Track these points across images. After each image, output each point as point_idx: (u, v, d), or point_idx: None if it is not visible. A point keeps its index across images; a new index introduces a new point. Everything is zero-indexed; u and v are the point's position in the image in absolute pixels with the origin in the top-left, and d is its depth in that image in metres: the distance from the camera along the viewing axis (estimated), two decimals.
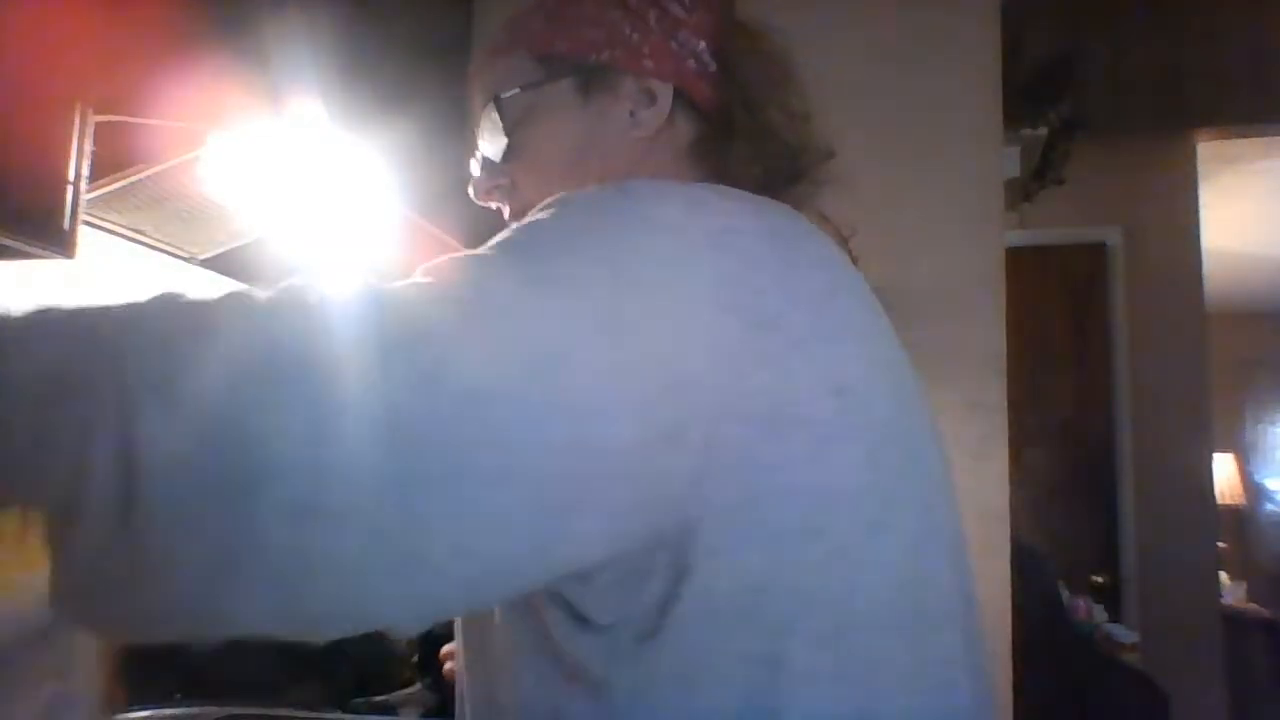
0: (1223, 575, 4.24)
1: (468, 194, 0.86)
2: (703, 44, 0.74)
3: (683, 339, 0.50)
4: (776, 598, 0.51)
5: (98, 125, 1.01)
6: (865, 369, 0.58)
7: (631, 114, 0.73)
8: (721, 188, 0.62)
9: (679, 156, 0.74)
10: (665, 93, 0.73)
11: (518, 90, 0.75)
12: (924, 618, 0.56)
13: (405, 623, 0.48)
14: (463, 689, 0.68)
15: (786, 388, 0.52)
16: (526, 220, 0.56)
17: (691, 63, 0.74)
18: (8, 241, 0.93)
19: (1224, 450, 5.21)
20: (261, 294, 0.48)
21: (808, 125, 0.80)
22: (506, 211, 0.78)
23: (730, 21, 0.76)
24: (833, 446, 0.53)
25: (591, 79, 0.73)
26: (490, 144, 0.78)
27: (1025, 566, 1.85)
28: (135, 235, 1.52)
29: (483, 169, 0.80)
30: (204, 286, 1.69)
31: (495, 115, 0.76)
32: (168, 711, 1.21)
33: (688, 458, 0.49)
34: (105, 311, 0.46)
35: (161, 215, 1.46)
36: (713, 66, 0.74)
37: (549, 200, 0.57)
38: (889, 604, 0.54)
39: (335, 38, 1.37)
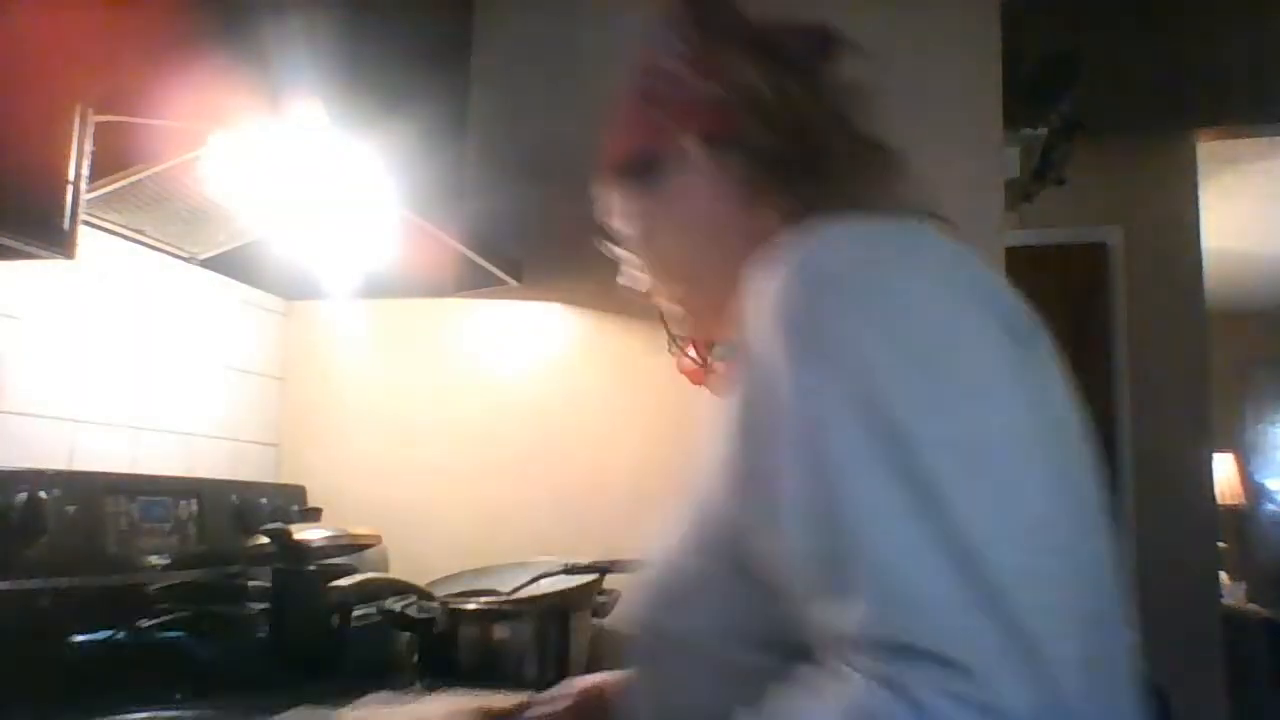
0: (1223, 575, 4.24)
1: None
2: (713, 83, 0.78)
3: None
4: None
5: (98, 125, 1.01)
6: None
7: (683, 179, 0.80)
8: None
9: (745, 188, 0.78)
10: (695, 145, 0.78)
11: (614, 215, 0.87)
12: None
13: None
14: None
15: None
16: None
17: (705, 108, 0.78)
18: (8, 241, 0.93)
19: (1224, 450, 5.21)
20: None
21: (808, 85, 0.80)
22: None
23: (729, 44, 0.80)
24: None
25: (644, 171, 0.82)
26: (627, 259, 0.90)
27: None
28: (135, 235, 1.52)
29: (630, 278, 0.91)
30: (206, 288, 1.69)
31: (620, 243, 0.88)
32: (168, 712, 1.21)
33: None
34: None
35: (161, 215, 1.46)
36: (731, 100, 0.78)
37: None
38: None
39: (335, 38, 1.37)
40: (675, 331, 0.93)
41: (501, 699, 1.12)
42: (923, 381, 0.56)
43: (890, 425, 0.53)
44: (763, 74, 0.77)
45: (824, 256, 0.62)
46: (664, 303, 0.87)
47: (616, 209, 0.86)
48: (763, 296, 0.62)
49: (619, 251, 0.89)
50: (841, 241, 0.64)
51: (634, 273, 0.88)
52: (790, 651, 0.58)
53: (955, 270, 0.64)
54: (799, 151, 0.76)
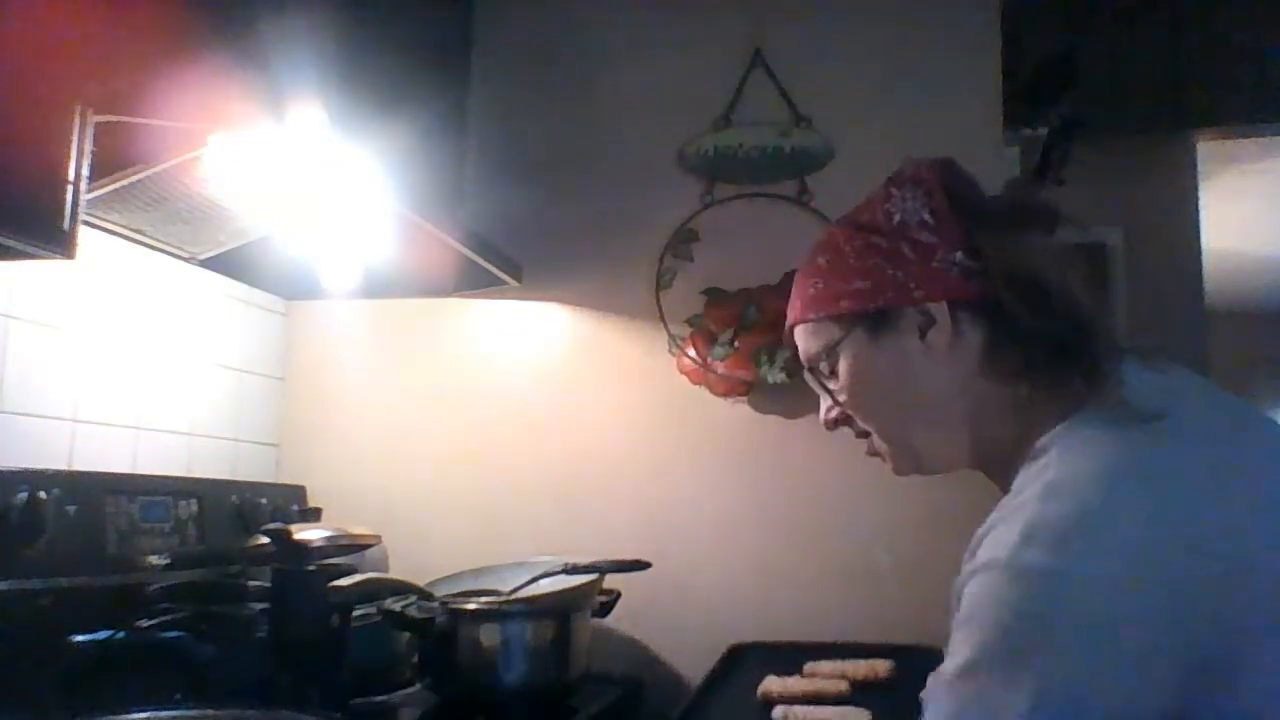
0: None
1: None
2: (959, 254, 0.84)
3: None
4: None
5: (98, 125, 1.01)
6: None
7: (922, 338, 0.84)
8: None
9: (978, 362, 0.84)
10: (942, 311, 0.83)
11: (823, 351, 0.90)
12: None
13: None
14: None
15: None
16: None
17: (955, 272, 0.84)
18: (8, 241, 0.93)
19: None
20: None
21: (1076, 281, 0.82)
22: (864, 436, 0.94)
23: (975, 214, 0.85)
24: None
25: (876, 323, 0.86)
26: (822, 395, 0.94)
27: None
28: (135, 235, 1.52)
29: (832, 420, 0.94)
30: (206, 288, 1.69)
31: (816, 374, 0.92)
32: (168, 712, 1.21)
33: None
34: None
35: (161, 215, 1.46)
36: (974, 265, 0.83)
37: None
38: None
39: (335, 39, 1.37)
40: (874, 452, 0.94)
41: None
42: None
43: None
44: (1017, 252, 0.81)
45: (1068, 559, 0.66)
46: (891, 448, 0.91)
47: (821, 348, 0.90)
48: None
49: (815, 384, 0.93)
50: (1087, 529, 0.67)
51: (847, 417, 0.92)
52: None
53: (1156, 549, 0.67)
54: (1043, 328, 0.79)
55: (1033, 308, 0.79)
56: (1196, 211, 3.61)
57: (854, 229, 0.89)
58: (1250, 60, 3.34)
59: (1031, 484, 0.72)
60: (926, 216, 0.85)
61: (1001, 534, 0.70)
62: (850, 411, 0.91)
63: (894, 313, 0.85)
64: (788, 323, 0.95)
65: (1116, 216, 3.63)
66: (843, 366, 0.89)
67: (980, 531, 0.74)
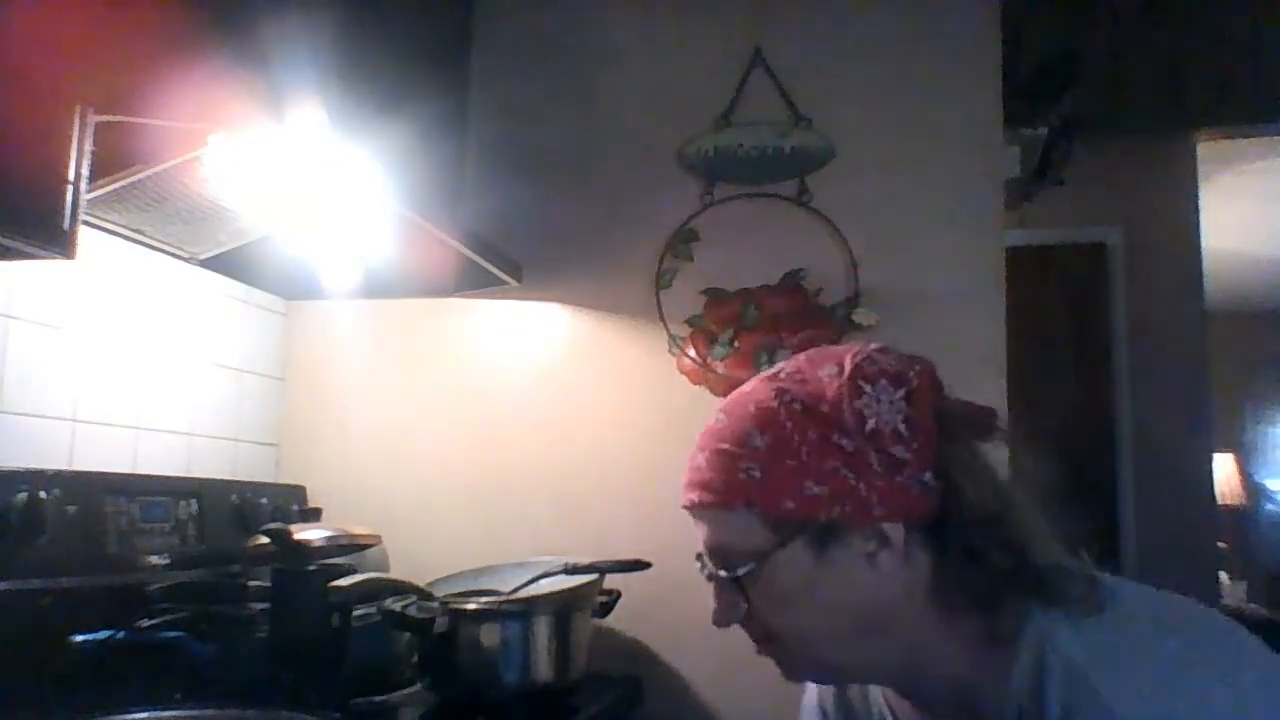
0: (1223, 575, 4.24)
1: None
2: (928, 474, 0.75)
3: None
4: None
5: (98, 125, 1.01)
6: None
7: (869, 559, 0.75)
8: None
9: (925, 583, 0.77)
10: (897, 533, 0.75)
11: (747, 555, 0.77)
12: None
13: None
14: None
15: None
16: None
17: (917, 490, 0.75)
18: (8, 241, 0.93)
19: (1224, 450, 5.21)
20: None
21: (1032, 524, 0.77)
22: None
23: (943, 427, 0.77)
24: None
25: (823, 537, 0.75)
26: (730, 599, 0.81)
27: None
28: (135, 235, 1.52)
29: (723, 607, 0.82)
30: (206, 288, 1.69)
31: (729, 576, 0.79)
32: (168, 712, 1.21)
33: None
34: None
35: (161, 215, 1.46)
36: (937, 485, 0.76)
37: None
38: None
39: (335, 38, 1.37)
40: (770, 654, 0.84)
41: None
42: None
43: None
44: (971, 471, 0.76)
45: None
46: (763, 646, 0.83)
47: (743, 550, 0.78)
48: None
49: (717, 582, 0.82)
50: None
51: (761, 627, 0.81)
52: None
53: None
54: (989, 543, 0.74)
55: (975, 524, 0.74)
56: (1196, 211, 3.62)
57: (810, 417, 0.76)
58: (1250, 60, 3.34)
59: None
60: (901, 426, 0.75)
61: None
62: (767, 624, 0.80)
63: (841, 528, 0.75)
64: (691, 496, 0.81)
65: (1116, 216, 3.63)
66: (771, 580, 0.77)
67: None
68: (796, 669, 0.83)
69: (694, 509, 0.81)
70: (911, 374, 0.78)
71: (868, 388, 0.76)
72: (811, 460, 0.75)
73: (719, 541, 0.80)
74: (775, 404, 0.78)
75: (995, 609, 0.75)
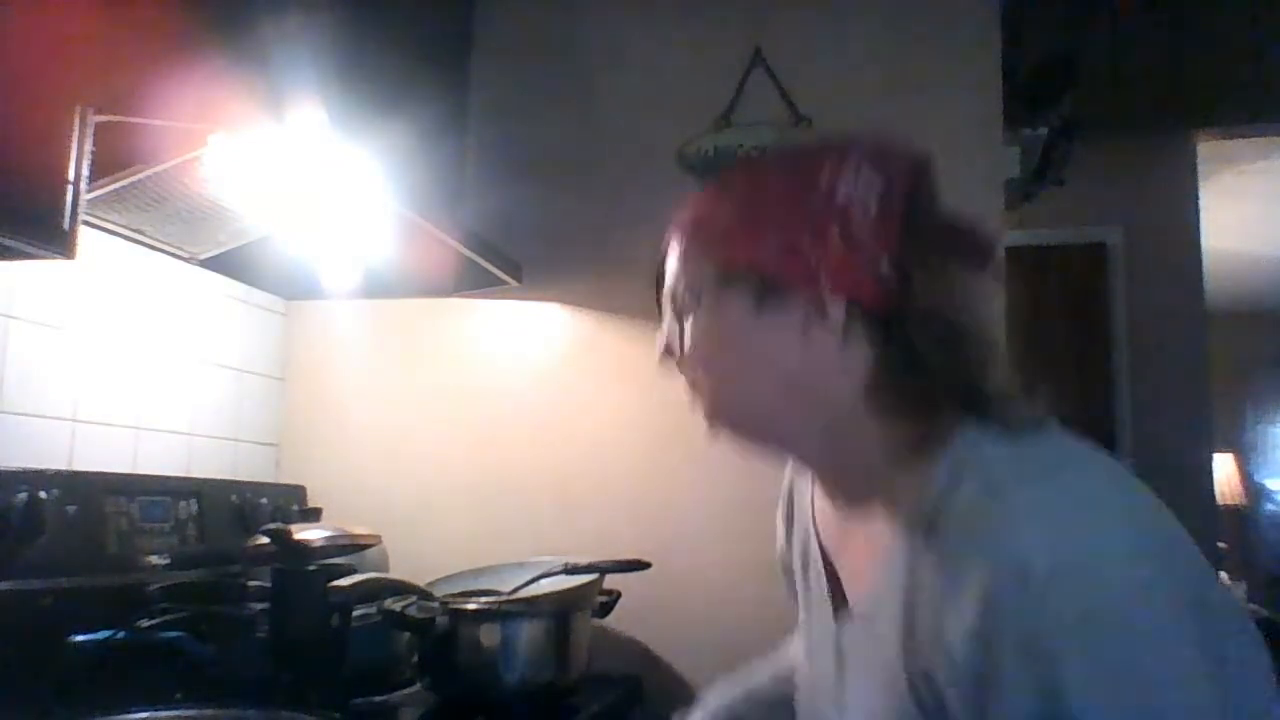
0: (1223, 575, 4.24)
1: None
2: (884, 262, 0.73)
3: None
4: None
5: (98, 125, 1.01)
6: None
7: (803, 328, 0.74)
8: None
9: (860, 377, 0.75)
10: (837, 309, 0.73)
11: (699, 294, 0.79)
12: None
13: None
14: None
15: None
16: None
17: (869, 278, 0.73)
18: (8, 241, 0.93)
19: (1224, 450, 5.21)
20: None
21: (988, 339, 0.76)
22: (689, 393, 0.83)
23: (919, 228, 0.75)
24: None
25: (765, 291, 0.75)
26: (673, 331, 0.83)
27: None
28: (135, 235, 1.52)
29: (665, 347, 0.84)
30: (206, 288, 1.69)
31: (676, 310, 0.82)
32: (168, 712, 1.21)
33: None
34: None
35: (161, 215, 1.46)
36: (893, 279, 0.73)
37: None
38: None
39: (335, 39, 1.37)
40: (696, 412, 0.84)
41: None
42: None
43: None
44: (943, 285, 0.74)
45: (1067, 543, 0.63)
46: (693, 388, 0.83)
47: (694, 284, 0.80)
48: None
49: (666, 321, 0.84)
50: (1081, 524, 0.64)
51: (686, 365, 0.82)
52: None
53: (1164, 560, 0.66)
54: (945, 363, 0.73)
55: (931, 337, 0.72)
56: (1196, 211, 3.62)
57: (795, 178, 0.77)
58: (1250, 60, 3.34)
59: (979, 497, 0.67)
60: (871, 207, 0.74)
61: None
62: (697, 364, 0.81)
63: (786, 288, 0.74)
64: (674, 231, 0.84)
65: (1116, 216, 3.63)
66: (710, 321, 0.79)
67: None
68: (716, 417, 0.81)
69: (669, 238, 0.84)
70: (902, 163, 0.77)
71: (854, 165, 0.75)
72: (776, 216, 0.76)
73: (677, 277, 0.82)
74: (775, 165, 0.81)
75: (929, 419, 0.73)
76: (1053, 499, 0.65)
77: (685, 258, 0.81)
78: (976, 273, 0.78)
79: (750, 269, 0.76)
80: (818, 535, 0.88)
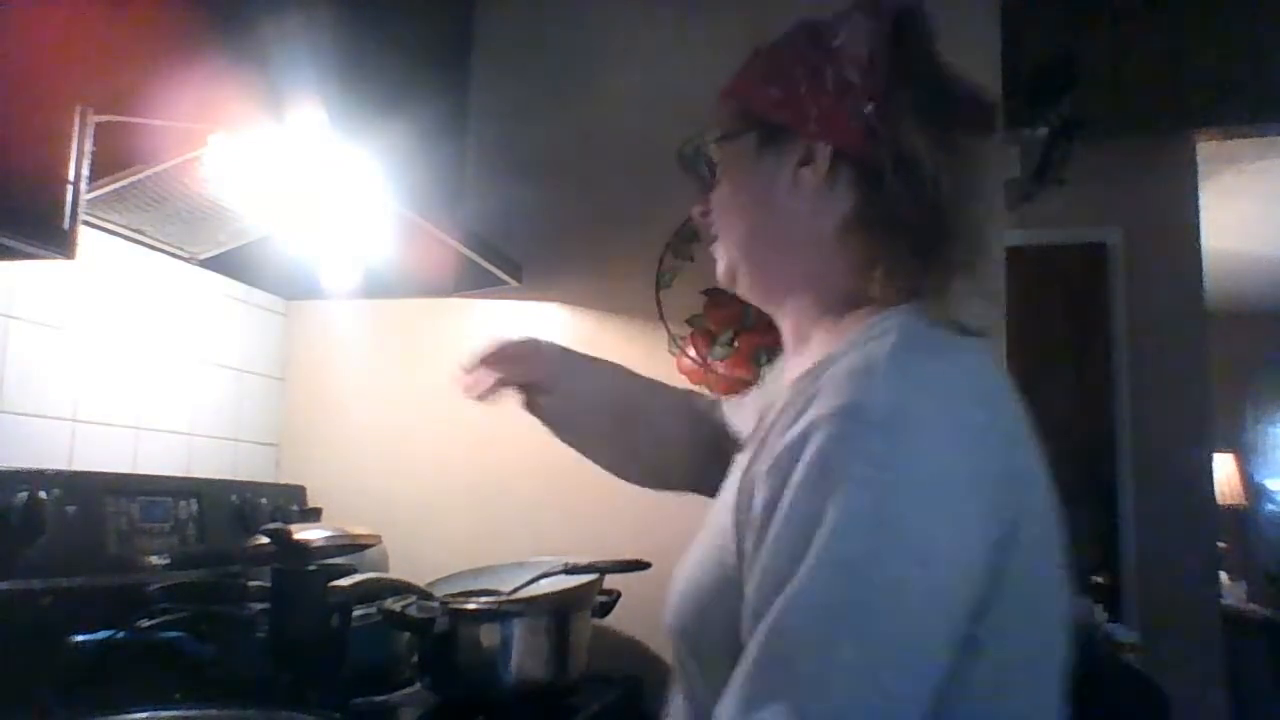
0: (1223, 575, 4.24)
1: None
2: (870, 106, 0.76)
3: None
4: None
5: (98, 125, 1.01)
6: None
7: (795, 171, 0.80)
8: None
9: (840, 218, 0.79)
10: (824, 153, 0.78)
11: (718, 138, 0.87)
12: None
13: None
14: None
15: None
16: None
17: (857, 124, 0.76)
18: (8, 241, 0.93)
19: (1224, 450, 5.21)
20: None
21: (969, 189, 0.77)
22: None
23: (910, 77, 0.78)
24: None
25: (767, 136, 0.82)
26: (701, 170, 0.91)
27: None
28: (135, 235, 1.52)
29: (699, 211, 0.92)
30: (206, 288, 1.69)
31: (705, 154, 0.90)
32: (168, 712, 1.21)
33: None
34: None
35: (161, 215, 1.46)
36: (878, 126, 0.76)
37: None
38: None
39: (335, 39, 1.37)
40: (722, 283, 0.89)
41: None
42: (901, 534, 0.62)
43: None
44: (926, 137, 0.75)
45: (877, 409, 0.65)
46: (721, 250, 0.88)
47: (727, 143, 0.86)
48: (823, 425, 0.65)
49: (702, 173, 0.90)
50: (895, 396, 0.67)
51: (706, 211, 0.89)
52: None
53: (974, 437, 0.68)
54: (920, 224, 0.75)
55: (910, 194, 0.74)
56: (1196, 211, 3.61)
57: (808, 33, 0.83)
58: (1250, 60, 3.34)
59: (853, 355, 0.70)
60: (863, 53, 0.78)
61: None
62: (714, 219, 0.88)
63: (785, 134, 0.80)
64: (727, 85, 0.90)
65: (1116, 216, 3.63)
66: (726, 163, 0.87)
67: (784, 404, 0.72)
68: (731, 270, 0.87)
69: (721, 94, 0.90)
70: (890, 12, 0.81)
71: (858, 15, 0.80)
72: (786, 66, 0.82)
73: (716, 124, 0.88)
74: (801, 22, 0.86)
75: (885, 278, 0.76)
76: (910, 373, 0.68)
77: (725, 104, 0.88)
78: (971, 135, 0.78)
79: (755, 118, 0.83)
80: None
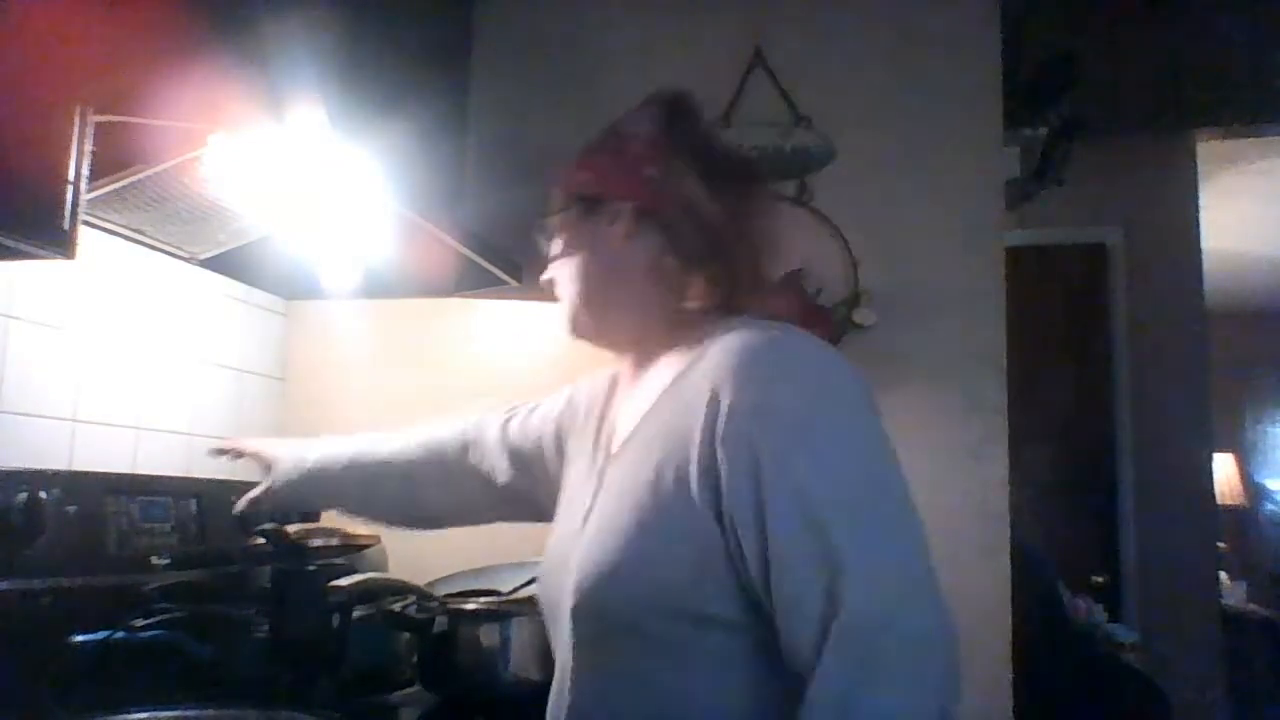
0: (1223, 575, 4.24)
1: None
2: (654, 170, 0.98)
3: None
4: None
5: (98, 125, 1.01)
6: None
7: (607, 230, 1.00)
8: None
9: (647, 260, 0.98)
10: (627, 212, 0.98)
11: (551, 215, 1.07)
12: None
13: None
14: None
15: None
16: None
17: (647, 187, 0.98)
18: (8, 241, 0.93)
19: (1224, 450, 5.21)
20: None
21: (744, 218, 0.99)
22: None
23: (682, 146, 1.00)
24: None
25: (585, 208, 1.03)
26: (547, 249, 1.09)
27: (1024, 566, 1.85)
28: (135, 235, 1.52)
29: (544, 278, 1.09)
30: (206, 288, 1.69)
31: (544, 232, 1.08)
32: (168, 712, 1.21)
33: None
34: None
35: (161, 215, 1.46)
36: (665, 183, 0.98)
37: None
38: None
39: (335, 39, 1.37)
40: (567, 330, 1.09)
41: None
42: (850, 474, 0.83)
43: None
44: (700, 187, 0.96)
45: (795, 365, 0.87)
46: (564, 303, 1.06)
47: (558, 219, 1.06)
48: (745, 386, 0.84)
49: (546, 249, 1.08)
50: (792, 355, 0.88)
51: (551, 275, 1.07)
52: (697, 621, 0.83)
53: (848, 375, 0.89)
54: (703, 251, 0.96)
55: (694, 232, 0.95)
56: (1196, 211, 3.61)
57: (609, 128, 1.06)
58: (1250, 60, 3.34)
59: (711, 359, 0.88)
60: (647, 133, 1.01)
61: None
62: (554, 273, 1.07)
63: (598, 203, 1.01)
64: (558, 179, 1.09)
65: (1116, 216, 3.63)
66: (562, 236, 1.05)
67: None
68: (573, 320, 1.05)
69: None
70: (665, 101, 1.05)
71: (643, 107, 1.05)
72: (594, 155, 1.05)
73: (549, 211, 1.08)
74: (607, 126, 1.07)
75: (701, 296, 0.96)
76: (793, 343, 0.89)
77: (555, 192, 1.08)
78: (738, 184, 1.00)
79: (575, 196, 1.04)
80: (601, 408, 1.09)
